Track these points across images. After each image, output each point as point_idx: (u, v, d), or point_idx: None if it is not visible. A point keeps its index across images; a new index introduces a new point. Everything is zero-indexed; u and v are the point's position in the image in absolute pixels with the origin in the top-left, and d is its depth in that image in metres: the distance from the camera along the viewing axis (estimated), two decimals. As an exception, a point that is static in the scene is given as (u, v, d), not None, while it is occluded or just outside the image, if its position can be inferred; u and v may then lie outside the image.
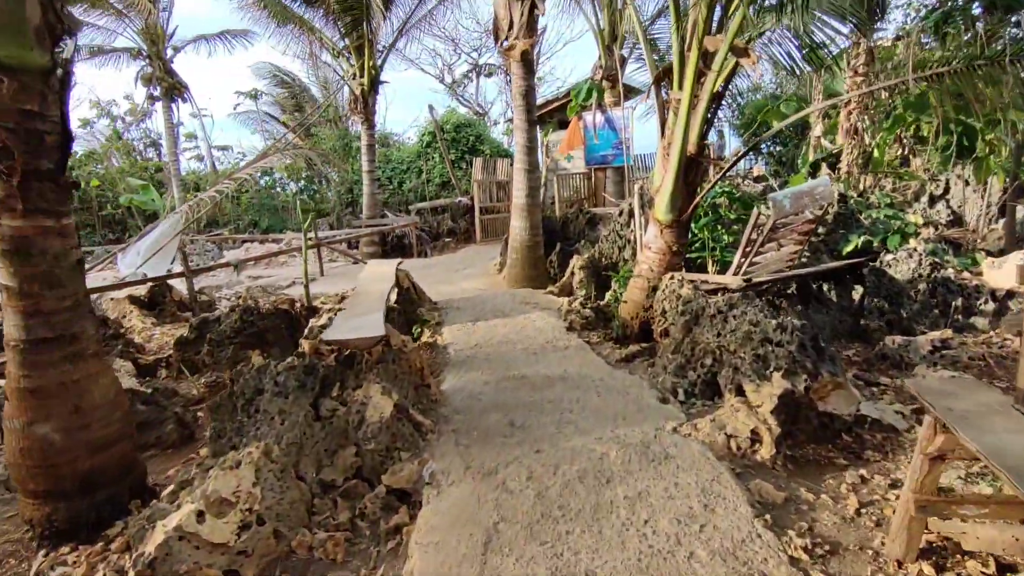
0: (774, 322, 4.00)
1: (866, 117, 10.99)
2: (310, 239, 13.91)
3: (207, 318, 7.29)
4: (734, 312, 4.49)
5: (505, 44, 8.48)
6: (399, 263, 7.62)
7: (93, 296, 9.62)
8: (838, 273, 6.77)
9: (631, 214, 8.40)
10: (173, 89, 20.81)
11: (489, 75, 23.29)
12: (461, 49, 24.39)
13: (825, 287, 6.96)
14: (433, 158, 19.21)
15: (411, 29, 14.88)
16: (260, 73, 23.28)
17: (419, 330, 6.87)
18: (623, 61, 13.48)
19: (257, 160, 12.80)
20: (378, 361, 3.87)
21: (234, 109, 25.46)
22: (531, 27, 8.30)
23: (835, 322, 6.76)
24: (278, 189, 22.49)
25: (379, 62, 14.69)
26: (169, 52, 20.76)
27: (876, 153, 11.07)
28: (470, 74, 24.16)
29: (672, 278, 5.85)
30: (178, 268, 14.11)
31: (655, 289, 6.15)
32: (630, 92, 14.76)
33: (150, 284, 9.23)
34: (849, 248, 6.97)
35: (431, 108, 17.04)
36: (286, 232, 17.91)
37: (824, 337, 6.78)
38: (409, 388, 3.90)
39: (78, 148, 25.10)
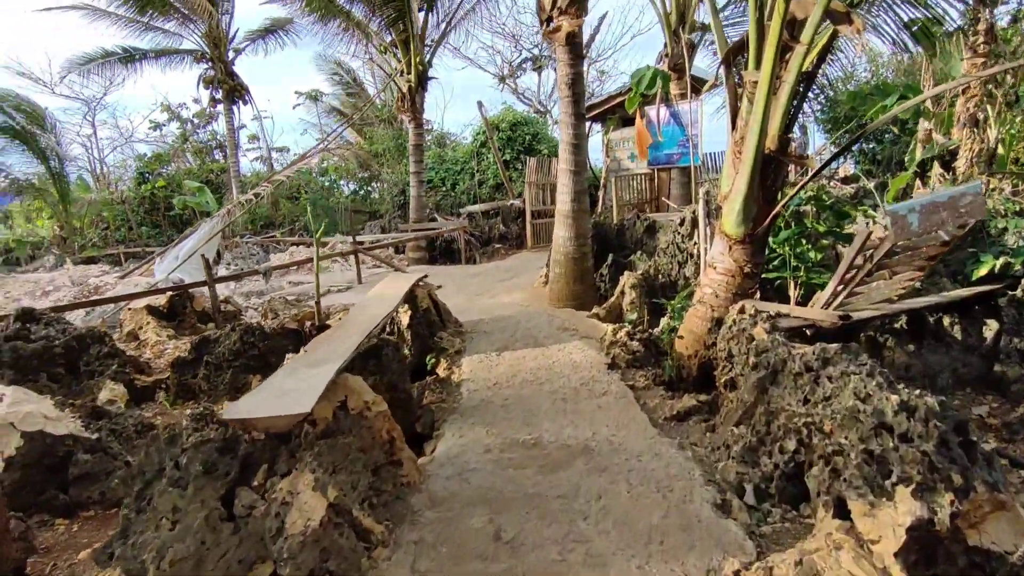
0: (895, 398, 2.69)
1: (989, 106, 9.09)
2: (335, 244, 13.26)
3: (207, 337, 6.58)
4: (830, 371, 3.18)
5: (550, 26, 7.35)
6: (420, 279, 6.65)
7: (110, 306, 9.21)
8: (965, 304, 5.25)
9: (694, 223, 7.08)
10: (234, 91, 20.90)
11: (539, 68, 22.10)
12: (522, 45, 23.37)
13: (946, 320, 5.44)
14: (487, 158, 18.27)
15: (460, 22, 13.98)
16: (321, 67, 23.09)
17: (433, 360, 5.85)
18: (692, 48, 12.00)
19: (296, 163, 12.26)
20: (325, 433, 2.85)
21: (293, 109, 25.49)
22: (579, 5, 7.13)
23: (958, 365, 5.26)
24: (336, 190, 22.19)
25: (427, 58, 13.86)
26: (231, 55, 20.86)
27: (1001, 149, 9.16)
28: (523, 66, 23.04)
29: (742, 311, 4.55)
30: (222, 271, 13.83)
31: (720, 322, 4.87)
32: (699, 84, 13.25)
33: (170, 293, 8.70)
34: (981, 271, 5.43)
35: (480, 105, 16.12)
36: (336, 235, 17.44)
37: (943, 383, 5.32)
38: (365, 473, 2.86)
39: (147, 150, 25.90)
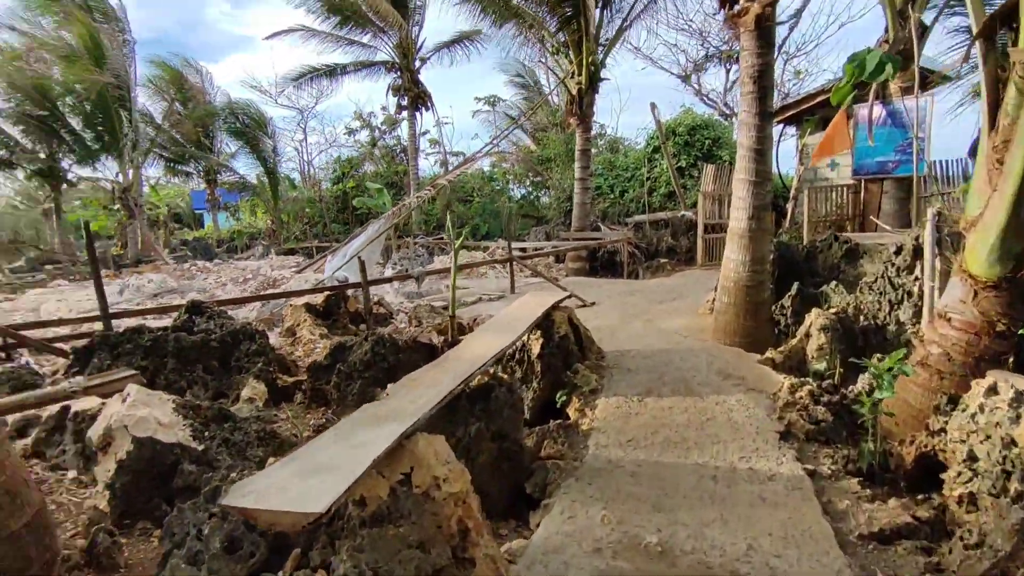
0: None
1: None
2: (495, 250, 12.91)
3: (343, 344, 6.49)
4: None
5: (735, 7, 6.17)
6: (560, 300, 5.90)
7: (281, 300, 9.71)
8: None
9: (917, 252, 5.45)
10: (418, 98, 21.95)
11: (729, 59, 20.03)
12: (709, 43, 21.53)
13: None
14: (660, 164, 17.00)
15: (638, 18, 12.97)
16: (506, 68, 23.51)
17: (564, 399, 5.07)
18: (922, 30, 9.73)
19: (459, 168, 12.22)
20: (375, 518, 2.21)
21: (472, 117, 26.26)
22: (773, -19, 5.86)
23: None
24: (504, 194, 22.35)
25: (600, 58, 13.08)
26: (417, 63, 21.94)
27: None
28: (709, 61, 21.11)
29: (993, 390, 3.14)
30: (388, 272, 14.36)
31: (954, 400, 3.47)
32: (928, 79, 10.79)
33: (327, 293, 8.95)
34: None
35: (653, 107, 14.86)
36: (498, 239, 17.39)
37: None
38: (416, 579, 2.16)
39: (344, 153, 28.37)
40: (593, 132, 16.34)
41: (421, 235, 20.93)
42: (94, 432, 4.03)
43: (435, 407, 2.69)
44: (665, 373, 5.47)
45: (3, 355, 7.54)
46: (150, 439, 3.95)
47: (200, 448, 4.10)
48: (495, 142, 14.54)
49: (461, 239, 6.50)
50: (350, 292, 9.27)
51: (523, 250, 16.19)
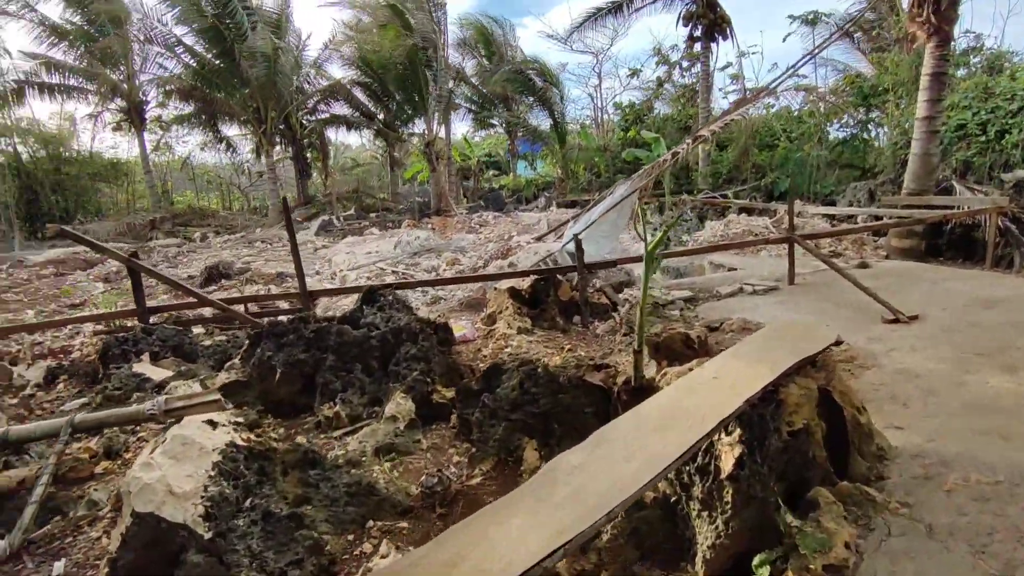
0: None
1: None
2: (782, 215, 9.59)
3: (499, 366, 5.08)
4: None
5: None
6: (816, 355, 3.35)
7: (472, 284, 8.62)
8: None
9: None
10: (714, 26, 18.57)
11: None
12: None
13: None
14: (1080, 87, 10.92)
15: None
16: None
17: (767, 569, 2.71)
18: None
19: (732, 110, 9.30)
20: None
21: (783, 41, 21.42)
22: None
23: None
24: (811, 138, 17.65)
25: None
26: (716, -17, 18.41)
27: None
28: None
29: None
30: (632, 248, 12.30)
31: None
32: None
33: (534, 277, 7.53)
34: None
35: None
36: (798, 199, 13.59)
37: None
38: None
39: (632, 97, 26.24)
40: (959, 47, 11.21)
41: (706, 191, 18.01)
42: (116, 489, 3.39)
43: None
44: None
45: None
46: (152, 516, 3.07)
47: (208, 536, 3.09)
48: (795, 68, 10.69)
49: (660, 237, 4.30)
50: (563, 276, 7.69)
51: (831, 217, 12.34)
